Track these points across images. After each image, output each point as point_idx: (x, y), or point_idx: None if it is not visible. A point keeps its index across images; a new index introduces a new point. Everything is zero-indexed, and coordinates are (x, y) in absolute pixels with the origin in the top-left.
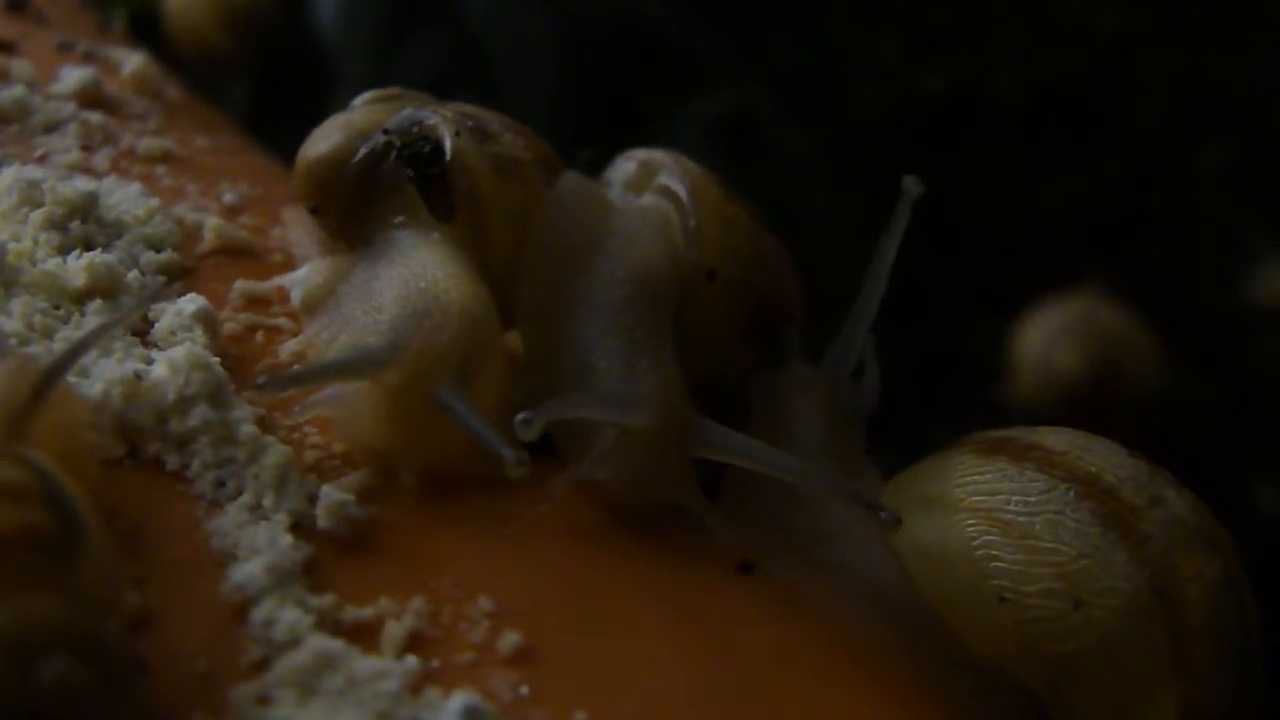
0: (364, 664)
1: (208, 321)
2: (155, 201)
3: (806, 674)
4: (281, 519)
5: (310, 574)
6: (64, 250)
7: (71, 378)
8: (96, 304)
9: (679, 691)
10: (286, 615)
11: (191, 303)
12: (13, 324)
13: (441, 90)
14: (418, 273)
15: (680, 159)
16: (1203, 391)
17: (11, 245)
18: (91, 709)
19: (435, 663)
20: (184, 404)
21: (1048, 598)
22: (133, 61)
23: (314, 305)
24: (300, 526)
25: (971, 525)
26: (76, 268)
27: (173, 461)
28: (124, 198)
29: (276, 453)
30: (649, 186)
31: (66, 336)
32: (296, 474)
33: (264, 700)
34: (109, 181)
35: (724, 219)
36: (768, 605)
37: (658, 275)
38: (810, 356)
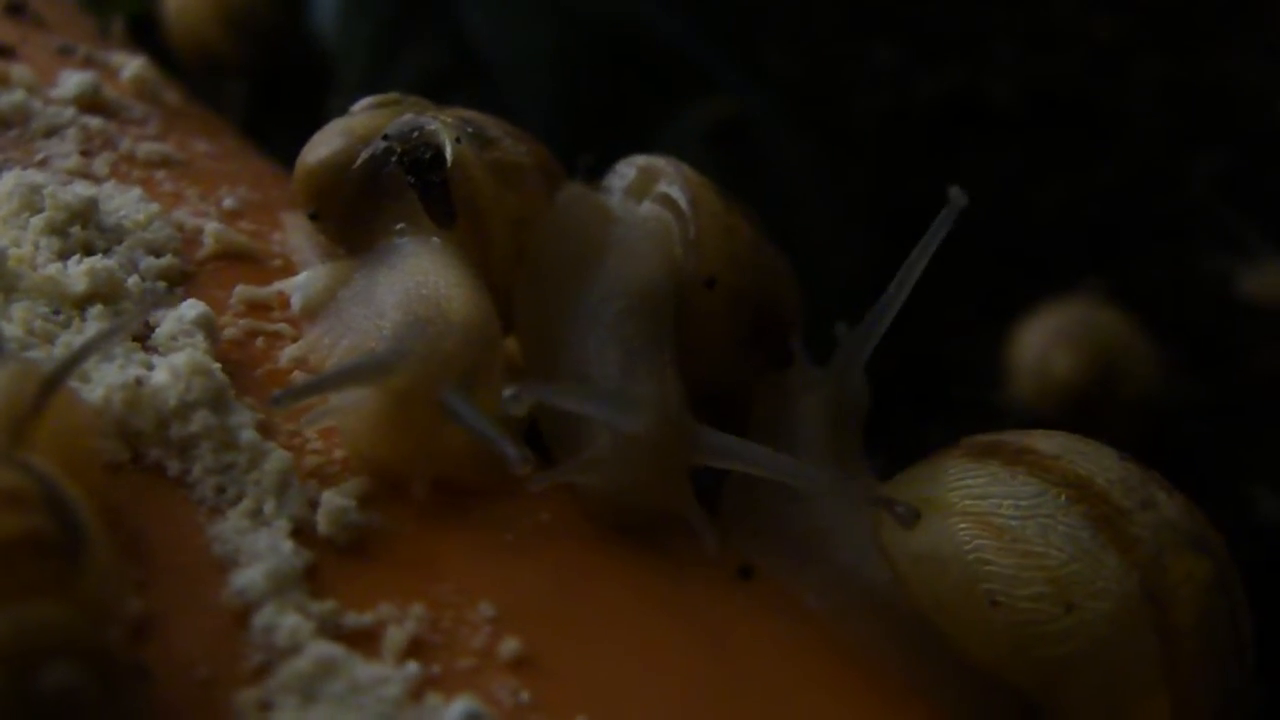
0: (365, 670)
1: (208, 327)
2: (155, 206)
3: (807, 679)
4: (282, 525)
5: (311, 580)
6: (64, 255)
7: (72, 383)
8: (97, 309)
9: (679, 697)
10: (287, 621)
11: (192, 308)
12: (13, 329)
13: (440, 94)
14: (419, 279)
15: (681, 166)
16: (1200, 395)
17: (12, 250)
18: (93, 715)
19: (436, 668)
20: (185, 409)
21: (1039, 601)
22: (133, 66)
23: (315, 310)
24: (301, 532)
25: (964, 529)
26: (77, 273)
27: (174, 467)
28: (124, 203)
29: (277, 458)
30: (649, 194)
31: (67, 342)
32: (297, 480)
33: (265, 706)
34: (109, 186)
35: (724, 228)
36: (768, 610)
37: (657, 289)
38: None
